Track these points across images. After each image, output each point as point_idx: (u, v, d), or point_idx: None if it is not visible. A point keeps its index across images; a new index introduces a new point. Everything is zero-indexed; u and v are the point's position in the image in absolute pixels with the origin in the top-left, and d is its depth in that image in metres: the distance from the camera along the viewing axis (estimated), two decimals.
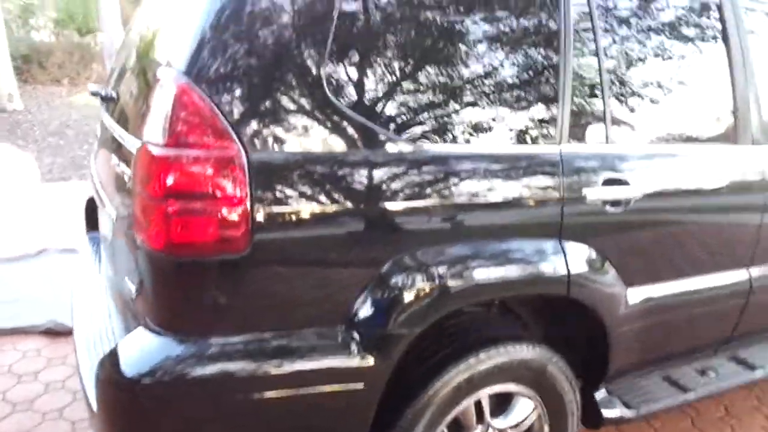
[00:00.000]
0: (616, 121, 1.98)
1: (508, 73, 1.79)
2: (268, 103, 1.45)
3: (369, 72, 1.57)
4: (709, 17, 2.20)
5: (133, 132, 1.70)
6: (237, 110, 1.42)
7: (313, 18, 1.50)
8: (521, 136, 1.81)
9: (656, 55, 2.08)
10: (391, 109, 1.60)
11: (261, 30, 1.45)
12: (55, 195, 6.05)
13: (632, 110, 2.04)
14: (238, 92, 1.43)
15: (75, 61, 13.08)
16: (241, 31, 1.44)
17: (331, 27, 1.50)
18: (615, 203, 1.94)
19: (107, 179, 2.03)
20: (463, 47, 1.70)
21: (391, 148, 1.59)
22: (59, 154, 7.97)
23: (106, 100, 2.26)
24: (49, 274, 4.11)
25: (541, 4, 1.82)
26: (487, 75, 1.75)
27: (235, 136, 1.41)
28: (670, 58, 2.11)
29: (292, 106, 1.47)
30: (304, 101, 1.48)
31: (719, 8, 2.21)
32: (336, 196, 1.51)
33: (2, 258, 4.39)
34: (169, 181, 1.38)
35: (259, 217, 1.44)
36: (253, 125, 1.44)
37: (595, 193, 1.90)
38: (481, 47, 1.74)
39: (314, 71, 1.49)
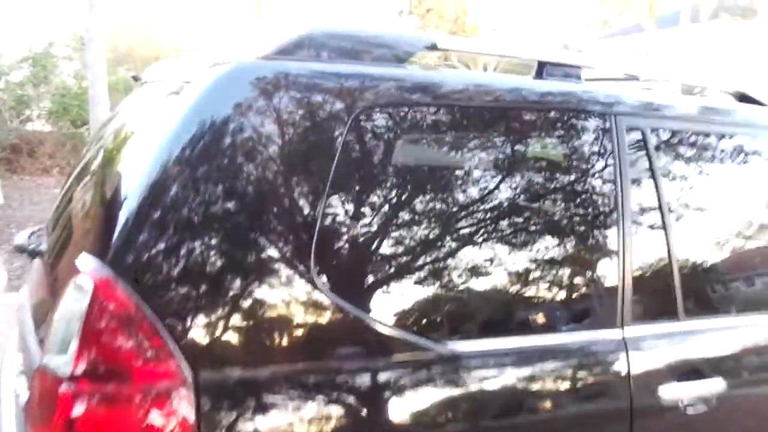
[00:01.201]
0: (688, 292, 1.55)
1: (556, 242, 1.40)
2: (228, 304, 1.00)
3: (378, 253, 1.15)
4: None
5: (37, 338, 1.24)
6: (184, 317, 0.97)
7: (300, 191, 1.09)
8: (570, 321, 1.38)
9: (735, 205, 1.69)
10: (409, 302, 1.17)
11: (224, 200, 1.03)
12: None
13: (707, 273, 1.61)
14: (186, 290, 0.98)
15: (66, 150, 12.87)
16: (194, 202, 1.01)
17: (320, 205, 1.09)
18: (696, 402, 1.47)
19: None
20: (504, 223, 1.41)
21: (419, 354, 1.19)
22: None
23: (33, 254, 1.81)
24: None
25: (592, 156, 1.52)
26: (530, 246, 1.36)
27: (179, 354, 0.95)
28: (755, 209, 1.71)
29: (267, 302, 1.03)
30: (285, 293, 1.04)
31: None
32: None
33: None
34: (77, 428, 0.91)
35: None
36: (207, 337, 0.98)
37: (673, 391, 1.44)
38: (526, 215, 1.38)
39: (300, 256, 1.06)
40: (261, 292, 1.04)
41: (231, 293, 1.02)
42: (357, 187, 1.17)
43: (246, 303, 1.03)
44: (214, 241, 1.01)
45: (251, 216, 1.03)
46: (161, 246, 0.99)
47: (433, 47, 1.33)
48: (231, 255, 1.02)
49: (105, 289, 0.95)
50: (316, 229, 1.08)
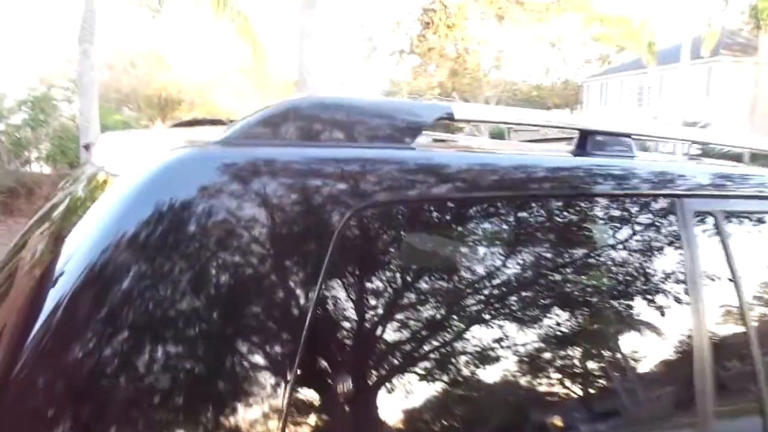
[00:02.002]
0: None
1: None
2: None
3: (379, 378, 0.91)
4: None
5: None
6: None
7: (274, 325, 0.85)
8: None
9: None
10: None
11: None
12: None
13: None
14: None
15: None
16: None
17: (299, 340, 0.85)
18: None
19: None
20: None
21: None
22: None
23: None
24: None
25: (653, 251, 1.26)
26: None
27: None
28: None
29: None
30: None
31: None
32: None
33: None
34: None
35: None
36: None
37: None
38: (569, 336, 1.13)
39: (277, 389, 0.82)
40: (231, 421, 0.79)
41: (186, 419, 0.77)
42: (351, 306, 0.91)
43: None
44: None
45: (213, 336, 0.79)
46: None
47: (448, 118, 1.08)
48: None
49: None
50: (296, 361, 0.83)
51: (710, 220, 1.32)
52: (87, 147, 1.58)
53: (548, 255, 1.11)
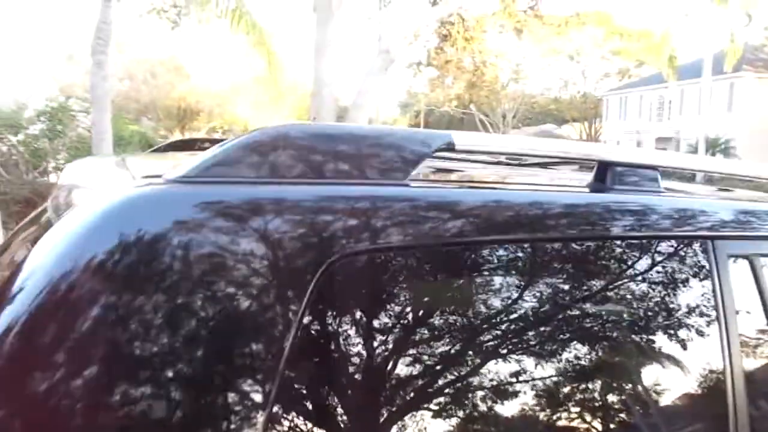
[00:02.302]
0: None
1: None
2: None
3: None
4: None
5: None
6: None
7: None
8: None
9: None
10: None
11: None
12: None
13: None
14: None
15: None
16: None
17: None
18: None
19: None
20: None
21: None
22: None
23: None
24: None
25: (682, 297, 1.10)
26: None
27: None
28: None
29: None
30: None
31: None
32: None
33: None
34: None
35: None
36: None
37: None
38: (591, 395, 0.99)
39: None
40: None
41: None
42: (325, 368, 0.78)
43: None
44: None
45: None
46: None
47: (448, 148, 0.95)
48: None
49: None
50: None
51: (745, 264, 1.17)
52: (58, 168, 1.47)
53: (556, 311, 0.96)
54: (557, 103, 37.61)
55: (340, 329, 0.79)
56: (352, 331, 0.80)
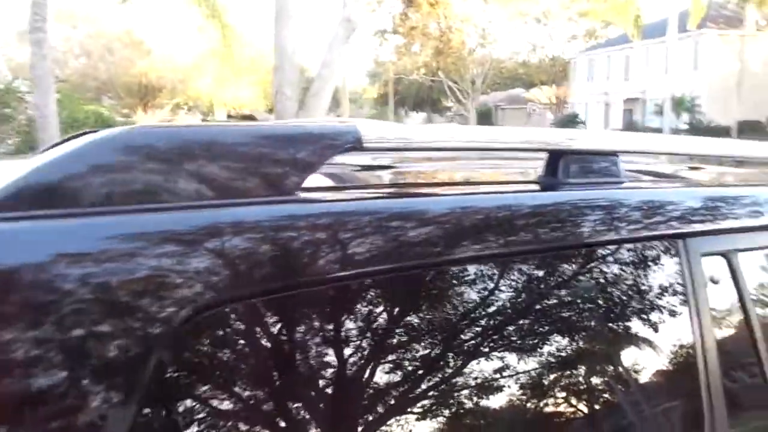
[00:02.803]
0: None
1: None
2: None
3: None
4: None
5: None
6: None
7: None
8: None
9: None
10: None
11: None
12: None
13: None
14: None
15: None
16: None
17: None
18: None
19: None
20: None
21: None
22: None
23: None
24: None
25: (650, 304, 0.93)
26: None
27: None
28: None
29: None
30: None
31: None
32: None
33: None
34: None
35: None
36: None
37: None
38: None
39: None
40: None
41: None
42: None
43: None
44: None
45: None
46: None
47: (353, 148, 0.73)
48: None
49: None
50: None
51: (721, 263, 1.00)
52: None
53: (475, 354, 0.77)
54: (526, 67, 37.37)
55: (201, 395, 0.61)
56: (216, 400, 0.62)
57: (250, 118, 31.98)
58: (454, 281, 0.77)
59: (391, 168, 1.27)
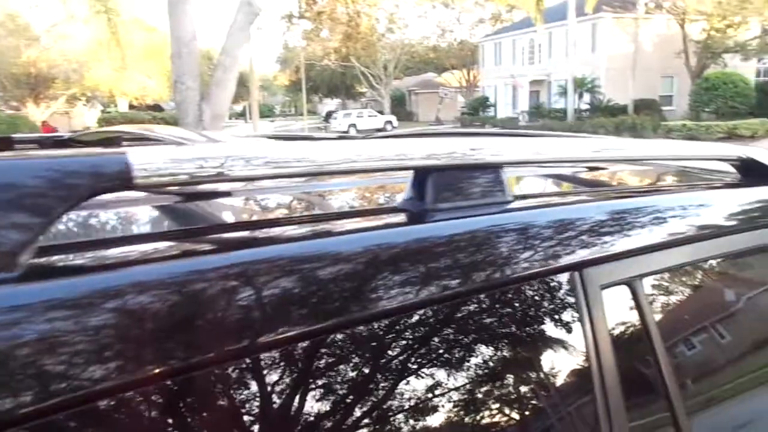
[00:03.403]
0: None
1: None
2: None
3: None
4: None
5: None
6: None
7: None
8: None
9: None
10: None
11: None
12: None
13: None
14: None
15: None
16: None
17: None
18: None
19: None
20: None
21: None
22: None
23: None
24: None
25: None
26: None
27: None
28: None
29: None
30: None
31: None
32: None
33: None
34: None
35: None
36: None
37: None
38: None
39: None
40: None
41: None
42: None
43: None
44: None
45: None
46: None
47: (121, 186, 0.52)
48: None
49: None
50: None
51: (625, 293, 0.85)
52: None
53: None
54: (436, 51, 37.74)
55: None
56: None
57: (156, 108, 30.46)
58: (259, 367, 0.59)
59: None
